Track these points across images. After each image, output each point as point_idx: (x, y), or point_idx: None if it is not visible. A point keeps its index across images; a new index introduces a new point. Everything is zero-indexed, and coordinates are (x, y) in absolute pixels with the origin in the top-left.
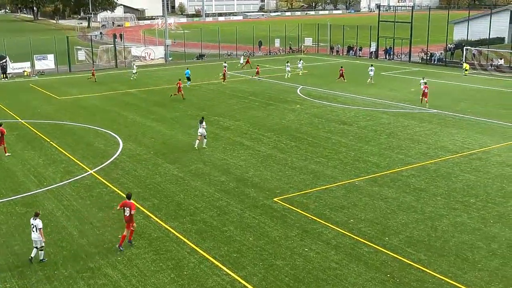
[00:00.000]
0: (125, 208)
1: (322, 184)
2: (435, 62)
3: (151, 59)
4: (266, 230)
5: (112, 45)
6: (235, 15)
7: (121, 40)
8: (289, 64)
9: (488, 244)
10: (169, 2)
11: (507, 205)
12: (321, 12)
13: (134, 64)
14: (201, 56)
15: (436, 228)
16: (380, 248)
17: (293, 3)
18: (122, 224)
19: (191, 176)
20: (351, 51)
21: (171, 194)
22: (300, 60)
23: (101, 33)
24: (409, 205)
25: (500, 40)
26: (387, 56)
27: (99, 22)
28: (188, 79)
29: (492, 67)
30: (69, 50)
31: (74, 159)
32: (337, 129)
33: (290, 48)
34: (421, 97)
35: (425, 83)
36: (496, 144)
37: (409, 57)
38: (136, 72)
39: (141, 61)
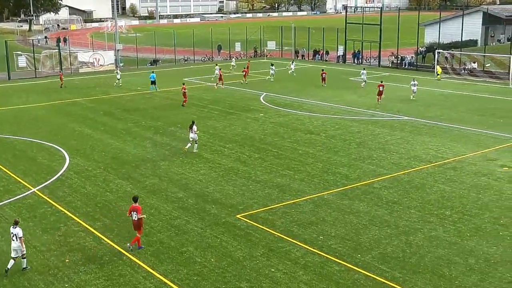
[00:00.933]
0: (132, 212)
1: (289, 198)
2: (406, 66)
3: (100, 65)
4: (229, 250)
5: (57, 50)
6: (192, 17)
7: (65, 45)
8: (273, 67)
9: (465, 259)
10: (119, 3)
11: (483, 217)
12: (284, 14)
13: (118, 69)
14: (155, 61)
15: (411, 243)
16: (352, 266)
17: (254, 4)
18: (69, 248)
19: (146, 193)
20: (317, 55)
21: (124, 213)
22: (272, 66)
23: (46, 37)
24: (382, 219)
25: (473, 42)
26: (355, 60)
27: (41, 24)
28: (153, 83)
29: (465, 71)
30: (8, 56)
31: (14, 176)
32: (303, 139)
33: (255, 51)
34: (377, 96)
35: (381, 81)
36: (471, 152)
37: (379, 61)
38: (120, 78)
39: (88, 67)
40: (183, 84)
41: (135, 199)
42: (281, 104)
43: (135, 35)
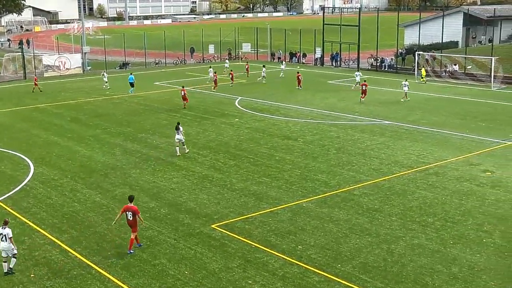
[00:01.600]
0: (127, 212)
1: (266, 207)
2: (386, 69)
3: (66, 68)
4: (204, 261)
5: (20, 53)
6: (163, 18)
7: (28, 47)
8: (265, 69)
9: (449, 267)
10: (86, 3)
11: (466, 223)
12: (259, 15)
13: (104, 72)
14: (124, 64)
15: (392, 251)
16: (332, 277)
17: (228, 5)
18: (35, 262)
19: (116, 203)
20: (294, 58)
21: (93, 224)
22: (264, 67)
23: (8, 39)
24: (363, 227)
25: (454, 44)
26: (333, 63)
27: (3, 26)
28: (132, 85)
29: (446, 74)
30: None
31: None
32: (280, 145)
33: (230, 54)
34: (361, 95)
35: (364, 80)
36: (453, 157)
37: (358, 64)
38: (107, 81)
39: (54, 71)
40: (183, 87)
41: (130, 199)
42: (257, 108)
43: (103, 37)
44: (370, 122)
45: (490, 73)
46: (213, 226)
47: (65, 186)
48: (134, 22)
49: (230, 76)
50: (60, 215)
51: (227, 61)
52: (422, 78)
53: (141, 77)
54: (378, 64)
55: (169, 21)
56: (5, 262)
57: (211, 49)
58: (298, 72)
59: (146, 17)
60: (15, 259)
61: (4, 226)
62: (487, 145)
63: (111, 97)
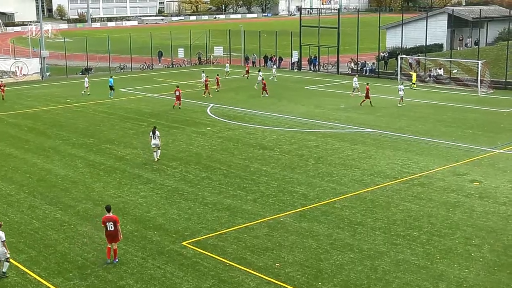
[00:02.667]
0: (108, 223)
1: (241, 222)
2: (367, 73)
3: (23, 74)
4: (174, 282)
5: None
6: (129, 20)
7: None
8: (261, 73)
9: (436, 283)
10: (45, 4)
11: (454, 237)
12: (232, 16)
13: (86, 77)
14: (87, 70)
15: (376, 268)
16: None
17: (199, 6)
18: None
19: (78, 219)
20: (269, 62)
21: (53, 243)
22: (259, 72)
23: None
24: (344, 242)
25: (438, 47)
26: (311, 67)
27: None
28: (111, 88)
29: (431, 78)
30: None
31: None
32: (256, 155)
33: (199, 58)
34: (366, 99)
35: (367, 83)
36: (439, 166)
37: (337, 68)
38: (88, 87)
39: (10, 77)
40: (177, 87)
41: (108, 209)
42: (231, 116)
43: (63, 40)
44: (351, 130)
45: (477, 77)
46: (184, 243)
47: (23, 202)
48: (97, 24)
49: (216, 81)
50: (17, 234)
51: (227, 65)
52: (413, 83)
53: (105, 83)
54: (358, 68)
55: (135, 23)
56: (6, 261)
57: (181, 53)
58: (263, 79)
59: (110, 19)
60: (7, 263)
61: None
62: (474, 154)
63: (73, 105)
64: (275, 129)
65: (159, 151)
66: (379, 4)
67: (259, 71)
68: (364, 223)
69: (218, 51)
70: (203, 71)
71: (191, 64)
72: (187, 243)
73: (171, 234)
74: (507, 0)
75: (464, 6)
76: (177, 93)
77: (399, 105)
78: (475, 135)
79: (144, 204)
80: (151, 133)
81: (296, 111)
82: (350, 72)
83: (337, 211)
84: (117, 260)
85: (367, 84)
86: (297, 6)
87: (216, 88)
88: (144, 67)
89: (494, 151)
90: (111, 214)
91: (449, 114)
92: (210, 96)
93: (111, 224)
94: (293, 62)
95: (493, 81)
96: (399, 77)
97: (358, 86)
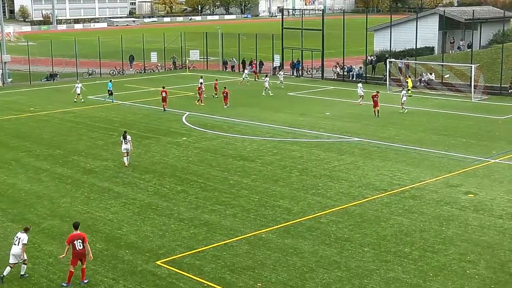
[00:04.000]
0: (76, 241)
1: (220, 239)
2: (354, 79)
3: None
4: None
5: None
6: (97, 22)
7: None
8: (268, 79)
9: None
10: (6, 5)
11: (448, 253)
12: (209, 18)
13: (77, 82)
14: (52, 76)
15: (365, 287)
16: None
17: (173, 7)
18: None
19: (43, 238)
20: (249, 67)
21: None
22: (266, 77)
23: None
24: (331, 260)
25: (429, 50)
26: (294, 72)
27: None
28: (110, 92)
29: (422, 84)
30: None
31: None
32: (235, 167)
33: (174, 63)
34: (373, 108)
35: (377, 92)
36: (431, 178)
37: (322, 73)
38: (80, 93)
39: None
40: (163, 87)
41: (76, 226)
42: (208, 125)
43: (26, 44)
44: (337, 139)
45: (470, 82)
46: (158, 262)
47: None
48: (63, 27)
49: (214, 86)
50: None
51: (246, 71)
52: (409, 90)
53: (71, 90)
54: (345, 73)
55: (104, 25)
56: (11, 267)
57: (154, 57)
58: (225, 88)
59: (77, 21)
60: (25, 266)
61: (23, 231)
62: (468, 164)
63: (37, 113)
64: (256, 139)
65: (128, 157)
66: (366, 4)
67: (266, 76)
68: (352, 239)
69: (194, 55)
70: (201, 77)
71: (165, 69)
72: (161, 262)
73: (144, 253)
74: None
75: (456, 6)
76: (163, 94)
77: (401, 111)
78: (469, 144)
79: (114, 220)
80: (121, 137)
81: (279, 120)
82: (335, 77)
83: (323, 226)
84: (86, 280)
85: (377, 92)
86: (278, 7)
87: (214, 94)
88: (114, 72)
89: (489, 161)
90: (78, 231)
91: (441, 122)
92: (202, 104)
93: (79, 242)
94: (275, 67)
95: (487, 87)
96: (387, 82)
97: (363, 94)
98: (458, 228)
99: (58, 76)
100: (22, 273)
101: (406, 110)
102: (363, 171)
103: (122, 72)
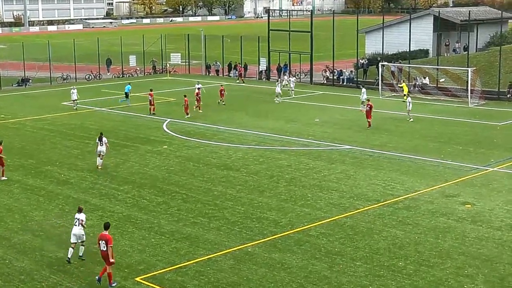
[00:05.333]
0: (101, 241)
1: (203, 253)
2: (344, 83)
3: None
4: None
5: None
6: (72, 24)
7: None
8: (279, 84)
9: None
10: None
11: (444, 266)
12: (191, 19)
13: (73, 88)
14: (24, 80)
15: None
16: None
17: (153, 7)
18: None
19: (14, 254)
20: (234, 71)
21: None
22: (277, 81)
23: None
24: (321, 275)
25: (423, 53)
26: (281, 76)
27: None
28: (127, 95)
29: (416, 88)
30: None
31: None
32: (219, 177)
33: (154, 67)
34: (367, 120)
35: (368, 100)
36: (426, 187)
37: (311, 77)
38: (76, 99)
39: None
40: (151, 90)
41: (106, 226)
42: (190, 133)
43: None
44: (327, 147)
45: (467, 87)
46: (137, 279)
47: None
48: (35, 28)
49: (220, 92)
50: None
51: (286, 77)
52: (404, 95)
53: (45, 96)
54: (335, 77)
55: (79, 26)
56: (72, 248)
57: (132, 60)
58: (221, 85)
59: (50, 22)
60: (83, 247)
61: (79, 212)
62: (465, 173)
63: (8, 121)
64: (241, 147)
65: (101, 161)
66: (357, 5)
67: (277, 81)
68: (343, 252)
69: (175, 58)
70: (197, 82)
71: (144, 73)
72: (141, 279)
73: (123, 269)
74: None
75: (451, 7)
76: (150, 98)
77: (410, 120)
78: (466, 152)
79: (91, 234)
80: (97, 139)
81: (265, 126)
82: (325, 82)
83: (313, 239)
84: (114, 283)
85: (368, 100)
86: (264, 8)
87: (221, 100)
88: (90, 77)
89: (487, 170)
90: (106, 232)
91: (436, 128)
92: (200, 111)
93: (103, 243)
94: (261, 71)
95: (484, 91)
96: (380, 87)
97: (365, 99)
98: (455, 240)
99: (30, 81)
100: (80, 254)
101: (411, 119)
102: (354, 181)
103: (99, 76)
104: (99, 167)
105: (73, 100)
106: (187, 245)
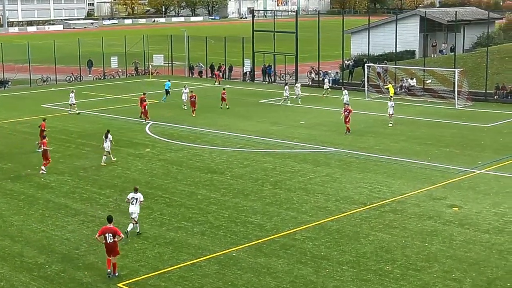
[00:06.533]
0: (107, 234)
1: (187, 258)
2: (330, 84)
3: None
4: None
5: None
6: (53, 24)
7: None
8: (288, 88)
9: None
10: None
11: (431, 270)
12: (174, 19)
13: (72, 92)
14: (2, 83)
15: None
16: None
17: (135, 8)
18: None
19: None
20: (218, 72)
21: None
22: (286, 85)
23: None
24: (307, 280)
25: (410, 54)
26: (266, 78)
27: None
28: (167, 92)
29: (402, 90)
30: None
31: None
32: (203, 180)
33: (136, 68)
34: (345, 124)
35: (347, 104)
36: (413, 190)
37: (296, 79)
38: (75, 103)
39: None
40: (144, 94)
41: (110, 219)
42: (173, 135)
43: None
44: (312, 149)
45: (454, 88)
46: (120, 284)
47: None
48: (15, 29)
49: (221, 95)
50: None
51: (326, 81)
52: (391, 96)
53: (24, 98)
54: (320, 79)
55: (60, 27)
56: (132, 223)
57: (114, 62)
58: (224, 89)
59: (30, 23)
60: (132, 225)
61: (136, 192)
62: (452, 175)
63: None
64: (225, 150)
65: (105, 157)
66: (342, 5)
67: (285, 84)
68: (329, 257)
69: (158, 60)
70: (185, 86)
71: (126, 75)
72: (123, 285)
73: (105, 275)
74: (485, 0)
75: (437, 8)
76: (144, 100)
77: (390, 125)
78: (453, 154)
79: (72, 239)
80: (103, 136)
81: (250, 129)
82: (310, 83)
83: (298, 243)
84: (116, 274)
85: (347, 104)
86: (249, 8)
87: (225, 104)
88: (71, 79)
89: (474, 172)
90: (111, 225)
91: (423, 131)
92: (193, 115)
93: (110, 236)
94: (245, 72)
95: (471, 93)
96: (366, 88)
97: (347, 100)
98: (442, 244)
99: (9, 83)
100: (128, 229)
101: (391, 124)
102: (340, 184)
103: (80, 78)
104: (103, 164)
105: (70, 105)
106: (170, 250)
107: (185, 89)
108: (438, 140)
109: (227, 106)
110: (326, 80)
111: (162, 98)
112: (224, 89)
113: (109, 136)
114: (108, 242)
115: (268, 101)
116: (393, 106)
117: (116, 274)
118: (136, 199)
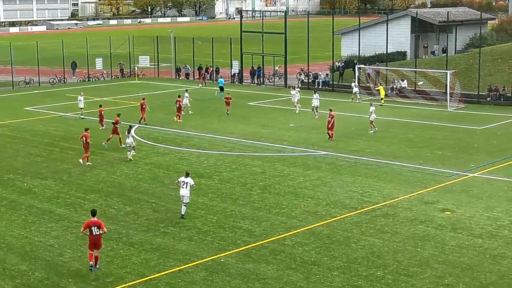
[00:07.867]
0: (93, 227)
1: (174, 264)
2: (320, 86)
3: None
4: None
5: None
6: (36, 25)
7: None
8: (295, 91)
9: None
10: None
11: (424, 276)
12: (160, 20)
13: (80, 95)
14: None
15: None
16: None
17: (120, 8)
18: None
19: None
20: (206, 74)
21: None
22: (296, 91)
23: None
24: (297, 286)
25: (401, 55)
26: (255, 80)
27: None
28: (221, 89)
29: (394, 92)
30: None
31: None
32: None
33: (122, 70)
34: (327, 131)
35: (330, 110)
36: (405, 194)
37: (285, 81)
38: (83, 108)
39: None
40: (144, 99)
41: (93, 213)
42: (159, 139)
43: None
44: (302, 153)
45: (446, 90)
46: None
47: None
48: None
49: (225, 99)
50: None
51: (353, 84)
52: (381, 99)
53: (6, 100)
54: (310, 80)
55: (43, 28)
56: (184, 206)
57: (99, 63)
58: (228, 94)
59: (12, 24)
60: (185, 207)
61: (186, 176)
62: (445, 179)
63: None
64: (213, 153)
65: (131, 152)
66: (332, 6)
67: (293, 88)
68: (319, 262)
69: (144, 61)
70: (186, 90)
71: (111, 77)
72: None
73: (90, 282)
74: (478, 0)
75: (429, 8)
76: (144, 106)
77: (371, 131)
78: (446, 157)
79: (56, 245)
80: (126, 131)
81: (238, 132)
82: (300, 85)
83: (288, 249)
84: (98, 267)
85: (330, 110)
86: (237, 8)
87: (226, 110)
88: (54, 81)
89: (467, 175)
90: (96, 218)
91: (415, 133)
92: (180, 120)
93: (96, 228)
94: (233, 74)
95: (464, 94)
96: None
97: (318, 105)
98: (435, 248)
99: None
100: (182, 213)
101: (374, 130)
102: (330, 188)
103: (64, 80)
104: (129, 158)
105: (81, 108)
106: (157, 256)
107: (187, 93)
108: (430, 143)
109: (227, 112)
110: (353, 84)
111: (217, 93)
112: (228, 93)
113: (132, 131)
114: (94, 234)
115: (257, 103)
116: (373, 111)
117: (97, 267)
118: (187, 183)
